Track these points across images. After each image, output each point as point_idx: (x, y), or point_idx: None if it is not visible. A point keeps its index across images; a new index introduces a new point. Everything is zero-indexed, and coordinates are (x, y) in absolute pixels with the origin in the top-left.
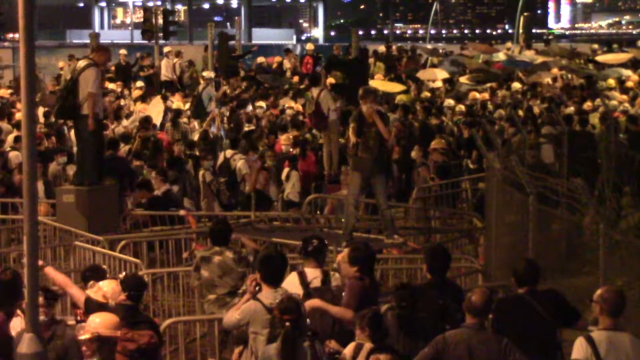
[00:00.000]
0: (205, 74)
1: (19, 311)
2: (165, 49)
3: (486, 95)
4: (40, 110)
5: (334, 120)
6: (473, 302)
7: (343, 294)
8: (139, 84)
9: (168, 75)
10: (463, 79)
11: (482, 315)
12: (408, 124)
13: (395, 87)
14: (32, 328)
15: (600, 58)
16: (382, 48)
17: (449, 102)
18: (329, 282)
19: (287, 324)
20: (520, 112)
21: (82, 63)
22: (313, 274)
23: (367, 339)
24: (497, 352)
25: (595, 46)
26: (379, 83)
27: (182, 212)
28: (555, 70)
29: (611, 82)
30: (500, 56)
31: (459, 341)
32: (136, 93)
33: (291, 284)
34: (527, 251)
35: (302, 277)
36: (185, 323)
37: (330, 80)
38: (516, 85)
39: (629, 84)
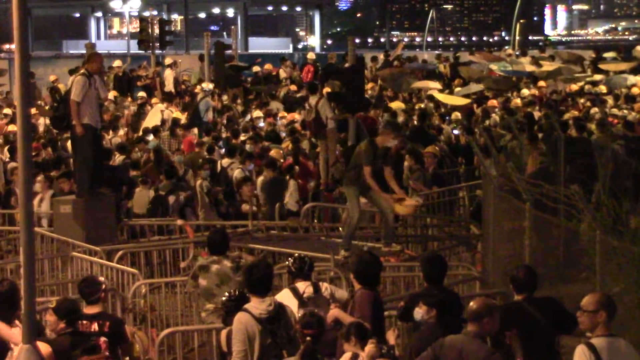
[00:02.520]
0: (204, 85)
1: (17, 322)
2: (168, 60)
3: (495, 103)
4: (41, 121)
5: (331, 129)
6: (470, 308)
7: (352, 302)
8: (141, 94)
9: (170, 87)
10: (477, 87)
11: (479, 322)
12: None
13: (458, 100)
14: (29, 339)
15: (604, 66)
16: (381, 56)
17: (456, 114)
18: (320, 291)
19: (308, 338)
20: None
21: (77, 74)
22: (304, 287)
23: (358, 348)
24: None
25: (593, 55)
26: (442, 97)
27: (179, 222)
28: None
29: (602, 87)
30: (506, 65)
31: (453, 346)
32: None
33: (284, 299)
34: (525, 258)
35: (295, 291)
36: (183, 333)
37: (327, 89)
38: (525, 92)
39: (635, 90)
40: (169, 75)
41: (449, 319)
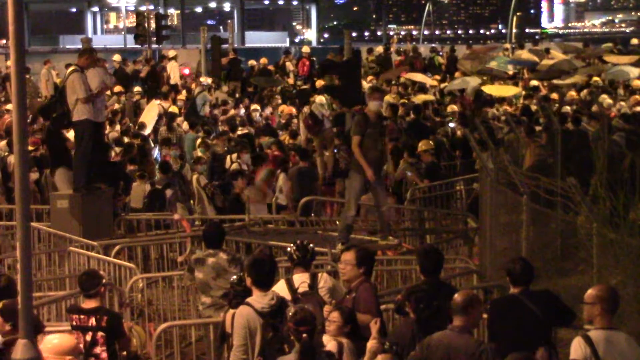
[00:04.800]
0: (202, 79)
1: None
2: (171, 53)
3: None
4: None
5: (329, 127)
6: (454, 301)
7: (354, 297)
8: (137, 89)
9: (176, 80)
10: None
11: (464, 315)
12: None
13: (509, 90)
14: (26, 334)
15: (607, 57)
16: (380, 49)
17: (452, 107)
18: (316, 285)
19: (305, 335)
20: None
21: (69, 70)
22: (300, 279)
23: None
24: (471, 355)
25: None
26: (493, 88)
27: (176, 217)
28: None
29: (597, 79)
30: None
31: (440, 344)
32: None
33: (280, 291)
34: (522, 251)
35: (290, 283)
36: (180, 327)
37: (320, 82)
38: (533, 83)
39: (637, 83)
40: (174, 67)
41: (428, 315)
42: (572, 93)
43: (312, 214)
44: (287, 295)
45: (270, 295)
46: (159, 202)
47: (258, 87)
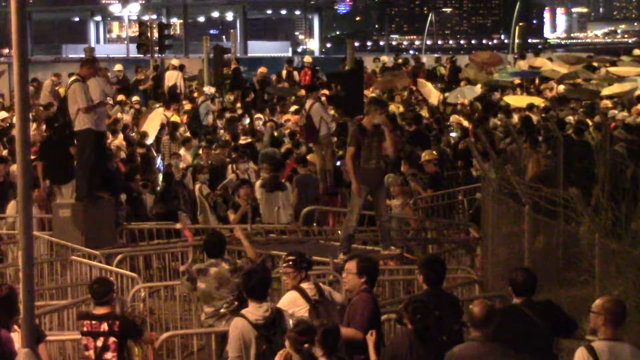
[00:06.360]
0: (205, 88)
1: (15, 326)
2: (175, 62)
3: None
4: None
5: (325, 135)
6: (475, 314)
7: (349, 306)
8: (135, 98)
9: (182, 89)
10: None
11: (486, 327)
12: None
13: (534, 100)
14: (29, 343)
15: (615, 69)
16: (384, 58)
17: (456, 117)
18: (324, 295)
19: (306, 345)
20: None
21: (70, 80)
22: (309, 288)
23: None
24: None
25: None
26: (517, 99)
27: (178, 226)
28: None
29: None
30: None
31: (466, 355)
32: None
33: (292, 301)
34: (524, 261)
35: (303, 292)
36: (182, 336)
37: (325, 91)
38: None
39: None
40: (180, 77)
41: (426, 325)
42: (607, 102)
43: (315, 224)
44: (305, 304)
45: (265, 307)
46: (141, 208)
47: (267, 96)
